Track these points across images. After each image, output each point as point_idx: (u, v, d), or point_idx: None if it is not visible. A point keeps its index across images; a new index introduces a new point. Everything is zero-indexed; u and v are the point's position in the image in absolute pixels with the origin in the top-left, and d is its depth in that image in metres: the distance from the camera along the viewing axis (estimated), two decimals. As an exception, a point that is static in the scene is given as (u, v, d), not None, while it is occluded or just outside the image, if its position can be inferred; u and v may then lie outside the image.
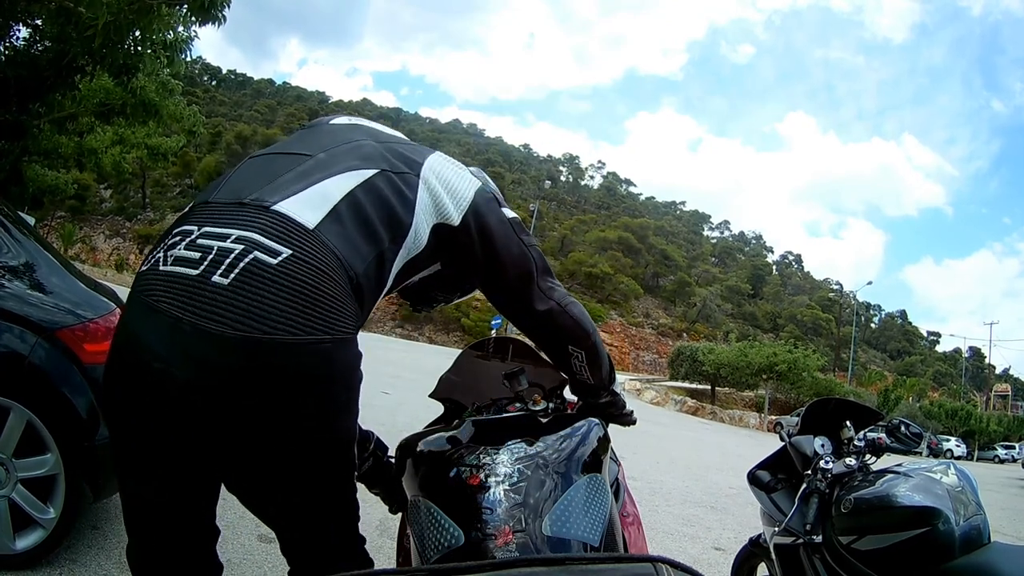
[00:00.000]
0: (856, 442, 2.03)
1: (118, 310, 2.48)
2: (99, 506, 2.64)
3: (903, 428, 2.08)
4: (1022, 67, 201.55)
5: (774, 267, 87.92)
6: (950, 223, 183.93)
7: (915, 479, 1.79)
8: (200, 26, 6.96)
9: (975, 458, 31.84)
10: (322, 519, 1.07)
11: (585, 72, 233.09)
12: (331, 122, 1.31)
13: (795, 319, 68.13)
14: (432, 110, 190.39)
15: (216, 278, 0.89)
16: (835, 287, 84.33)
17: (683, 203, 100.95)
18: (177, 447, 0.95)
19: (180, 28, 7.78)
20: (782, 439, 2.19)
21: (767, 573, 2.37)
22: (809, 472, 1.98)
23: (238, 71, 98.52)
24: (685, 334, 46.96)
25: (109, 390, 0.99)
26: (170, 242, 0.97)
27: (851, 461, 1.95)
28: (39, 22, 8.33)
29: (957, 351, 76.23)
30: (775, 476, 2.23)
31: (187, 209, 1.06)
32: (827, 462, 1.96)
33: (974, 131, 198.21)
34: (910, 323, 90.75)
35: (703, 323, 60.00)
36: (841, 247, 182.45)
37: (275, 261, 0.90)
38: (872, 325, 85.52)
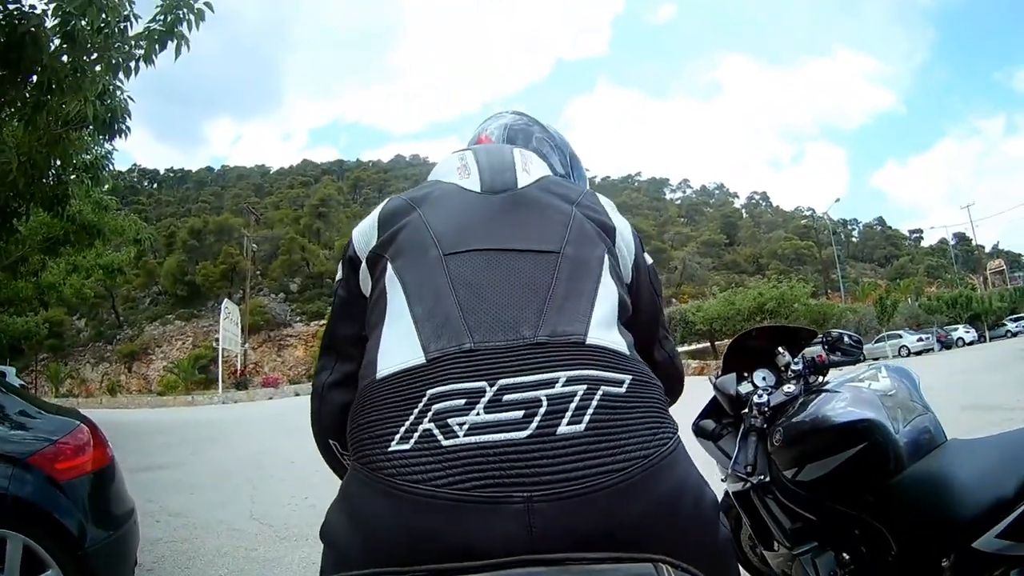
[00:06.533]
0: (794, 366, 1.89)
1: (84, 427, 2.67)
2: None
3: (845, 339, 1.97)
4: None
5: (743, 211, 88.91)
6: (906, 121, 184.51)
7: (843, 393, 1.70)
8: (108, 142, 7.13)
9: (988, 339, 31.22)
10: None
11: (515, 76, 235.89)
12: (522, 186, 0.99)
13: (776, 255, 68.81)
14: (373, 151, 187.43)
15: (564, 428, 0.71)
16: (807, 213, 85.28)
17: (639, 173, 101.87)
18: None
19: (95, 147, 7.95)
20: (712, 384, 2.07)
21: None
22: (746, 411, 1.87)
23: (175, 167, 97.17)
24: (674, 299, 47.18)
25: None
26: (440, 408, 0.73)
27: (790, 388, 1.82)
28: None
29: (943, 242, 77.25)
30: (719, 423, 2.10)
31: (426, 362, 0.78)
32: (760, 395, 1.84)
33: (906, 26, 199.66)
34: (890, 227, 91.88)
35: (688, 284, 60.35)
36: (805, 173, 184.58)
37: (623, 389, 0.78)
38: (853, 239, 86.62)
